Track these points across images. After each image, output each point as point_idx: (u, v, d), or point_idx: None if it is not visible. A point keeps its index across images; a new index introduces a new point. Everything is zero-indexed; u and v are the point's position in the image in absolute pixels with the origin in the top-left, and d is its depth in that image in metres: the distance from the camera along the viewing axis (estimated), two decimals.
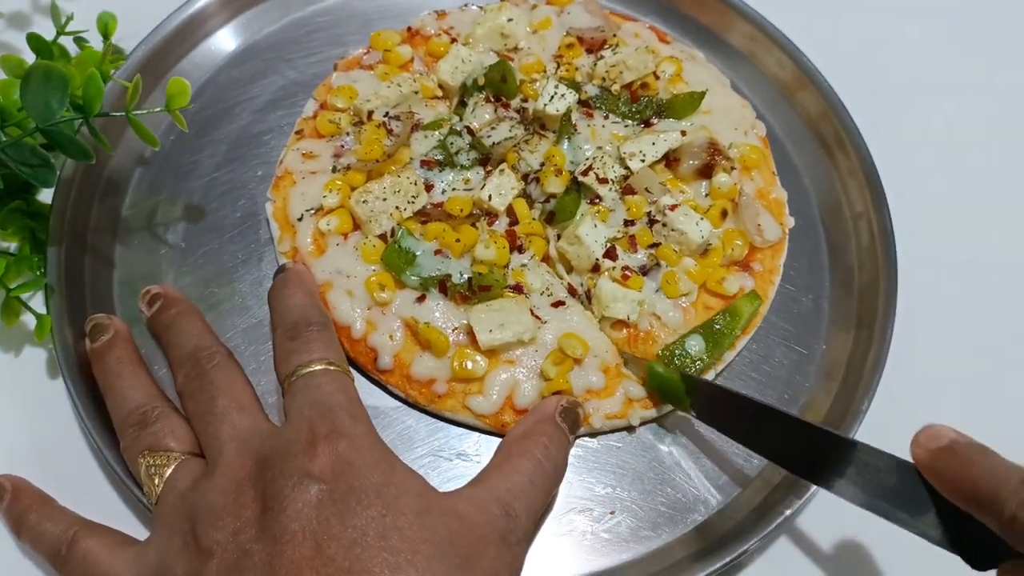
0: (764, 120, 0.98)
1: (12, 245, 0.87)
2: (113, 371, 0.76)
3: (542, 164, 0.89)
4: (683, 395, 0.78)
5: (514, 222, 0.87)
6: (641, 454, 0.81)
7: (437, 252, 0.84)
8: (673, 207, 0.86)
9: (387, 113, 0.90)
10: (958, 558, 0.63)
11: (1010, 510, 0.57)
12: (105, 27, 0.89)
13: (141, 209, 0.90)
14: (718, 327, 0.83)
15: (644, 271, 0.85)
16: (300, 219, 0.87)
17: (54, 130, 0.73)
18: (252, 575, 0.59)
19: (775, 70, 1.01)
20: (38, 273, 0.84)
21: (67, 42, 0.93)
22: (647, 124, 0.93)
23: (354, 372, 0.81)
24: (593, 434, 0.82)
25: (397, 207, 0.85)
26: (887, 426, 0.80)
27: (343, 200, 0.86)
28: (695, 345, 0.82)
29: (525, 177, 0.89)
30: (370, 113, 0.90)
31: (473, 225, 0.86)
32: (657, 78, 0.95)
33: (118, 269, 0.87)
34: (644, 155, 0.88)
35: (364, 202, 0.84)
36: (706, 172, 0.90)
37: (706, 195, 0.90)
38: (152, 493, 0.68)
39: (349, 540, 0.60)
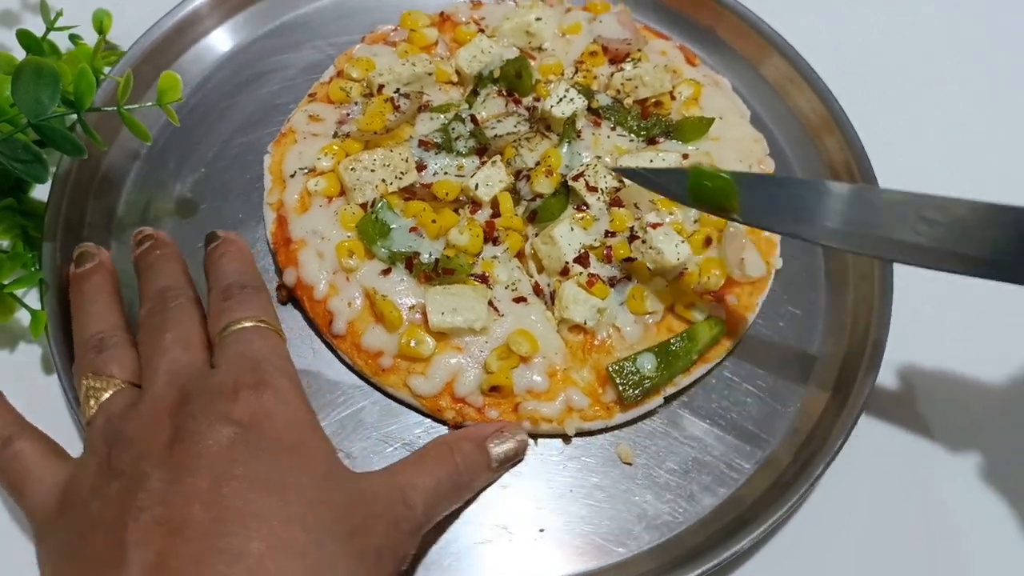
0: (784, 159, 0.97)
1: (4, 242, 0.87)
2: (87, 296, 0.78)
3: (537, 163, 0.89)
4: (733, 197, 0.72)
5: (496, 214, 0.87)
6: (604, 472, 0.80)
7: (412, 230, 0.84)
8: (655, 225, 0.85)
9: (398, 89, 0.92)
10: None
11: None
12: (100, 24, 0.90)
13: (136, 206, 0.91)
14: (674, 347, 0.82)
15: (612, 282, 0.84)
16: (292, 175, 0.88)
17: (46, 125, 0.74)
18: (144, 497, 0.59)
19: (804, 111, 0.98)
20: (33, 270, 0.85)
21: (56, 38, 0.92)
22: (652, 142, 0.92)
23: (318, 341, 0.84)
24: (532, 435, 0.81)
25: (383, 180, 0.86)
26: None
27: (335, 165, 0.87)
28: (647, 363, 0.80)
29: (518, 173, 0.89)
30: (381, 87, 0.92)
31: (456, 211, 0.87)
32: (673, 98, 0.94)
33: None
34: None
35: (352, 169, 0.86)
36: None
37: (695, 221, 0.88)
38: (86, 415, 0.70)
39: (247, 484, 0.60)
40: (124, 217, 0.90)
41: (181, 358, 0.70)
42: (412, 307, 0.82)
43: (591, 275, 0.83)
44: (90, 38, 0.92)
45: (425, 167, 0.88)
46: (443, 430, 0.81)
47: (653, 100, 0.94)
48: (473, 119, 0.91)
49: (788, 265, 0.91)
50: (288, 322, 0.85)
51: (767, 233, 0.89)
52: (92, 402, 0.69)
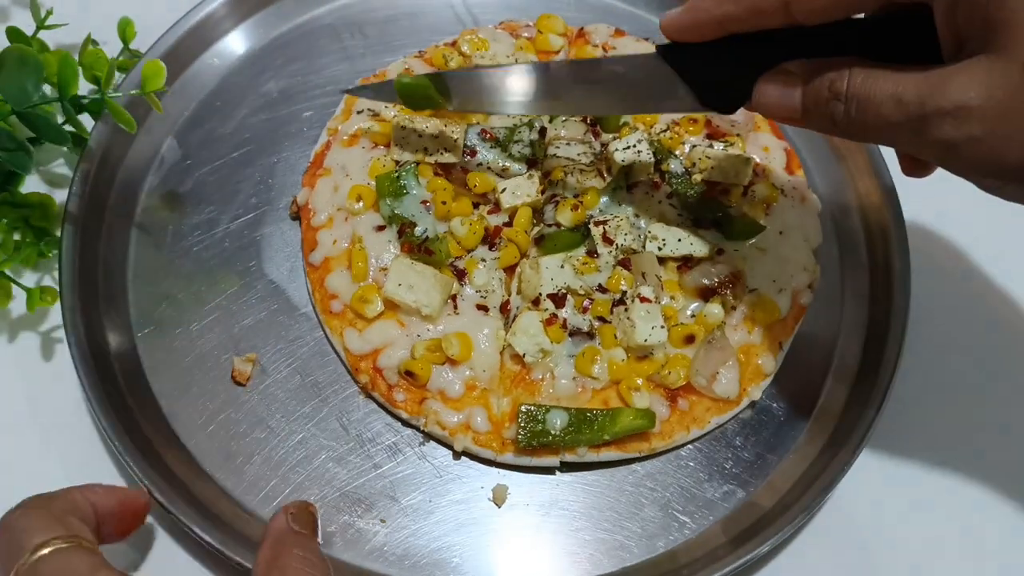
0: (830, 303, 0.90)
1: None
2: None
3: (576, 195, 0.87)
4: (435, 94, 0.80)
5: (509, 224, 0.87)
6: (470, 501, 0.79)
7: (424, 202, 0.86)
8: (645, 299, 0.81)
9: None
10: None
11: None
12: (124, 32, 0.92)
13: (217, 99, 0.96)
14: (590, 418, 0.78)
15: (572, 332, 0.81)
16: (360, 112, 0.92)
17: (30, 113, 0.76)
18: None
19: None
20: (50, 254, 0.87)
21: (47, 37, 0.92)
22: (697, 223, 0.88)
23: (299, 264, 0.88)
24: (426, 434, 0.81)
25: (426, 148, 0.88)
26: None
27: (394, 118, 0.90)
28: (557, 420, 0.78)
29: (552, 197, 0.88)
30: (476, 67, 0.94)
31: (475, 205, 0.88)
32: (744, 194, 0.89)
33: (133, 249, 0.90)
34: (664, 245, 0.85)
35: (403, 127, 0.88)
36: (708, 295, 0.84)
37: (691, 315, 0.84)
38: None
39: None
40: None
41: None
42: (383, 269, 0.83)
43: (552, 315, 0.81)
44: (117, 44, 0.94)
45: (475, 154, 0.89)
46: (351, 392, 0.83)
47: (723, 187, 0.89)
48: (542, 131, 0.91)
49: (774, 402, 0.85)
50: (287, 235, 0.90)
51: (762, 361, 0.84)
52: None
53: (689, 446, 0.82)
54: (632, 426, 0.78)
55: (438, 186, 0.86)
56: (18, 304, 0.85)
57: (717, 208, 0.88)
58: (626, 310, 0.82)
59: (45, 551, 0.60)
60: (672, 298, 0.84)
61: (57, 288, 0.83)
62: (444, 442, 0.80)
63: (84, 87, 0.85)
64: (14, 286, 0.83)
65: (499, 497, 0.79)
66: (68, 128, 0.85)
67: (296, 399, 0.82)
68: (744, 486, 0.81)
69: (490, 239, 0.86)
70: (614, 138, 0.92)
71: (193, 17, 0.96)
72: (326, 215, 0.87)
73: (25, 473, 0.78)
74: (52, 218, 0.88)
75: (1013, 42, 0.55)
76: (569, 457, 0.79)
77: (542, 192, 0.88)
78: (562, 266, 0.83)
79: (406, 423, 0.81)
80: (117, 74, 0.91)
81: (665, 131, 0.93)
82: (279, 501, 0.77)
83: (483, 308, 0.83)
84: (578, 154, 0.90)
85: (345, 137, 0.91)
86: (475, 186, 0.87)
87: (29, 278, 0.88)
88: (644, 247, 0.85)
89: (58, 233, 0.85)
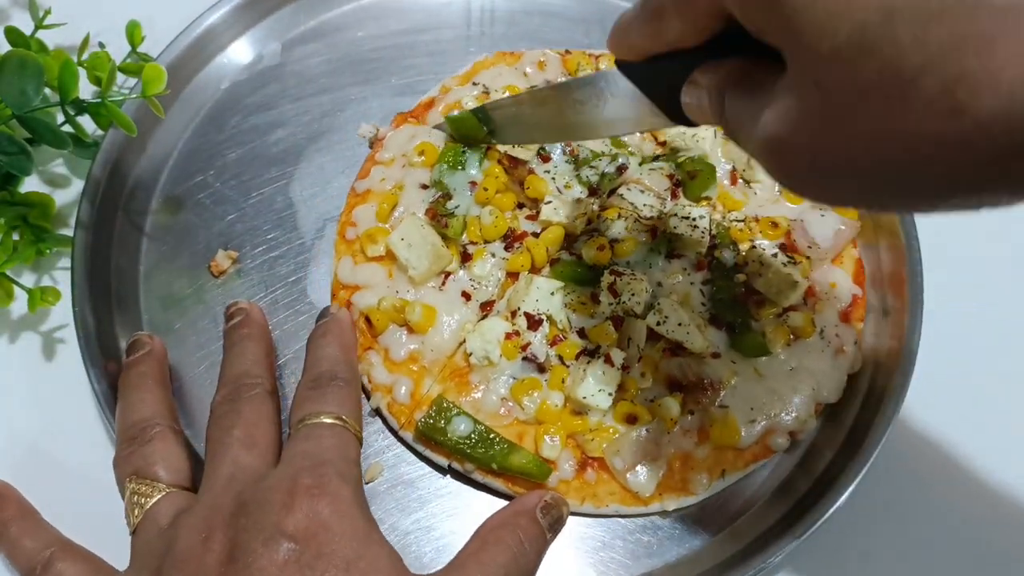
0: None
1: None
2: (132, 383, 0.76)
3: (615, 240, 0.85)
4: (478, 127, 0.86)
5: (537, 235, 0.86)
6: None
7: (472, 183, 0.87)
8: (609, 361, 0.79)
9: None
10: None
11: None
12: (132, 35, 0.92)
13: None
14: (491, 439, 0.77)
15: (527, 357, 0.81)
16: (475, 84, 0.95)
17: (30, 117, 0.76)
18: None
19: None
20: (48, 252, 0.87)
21: (46, 37, 0.91)
22: (714, 320, 0.83)
23: None
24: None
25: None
26: None
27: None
28: (461, 426, 0.77)
29: (595, 230, 0.86)
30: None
31: (520, 205, 0.88)
32: (779, 315, 0.83)
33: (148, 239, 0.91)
34: (664, 321, 0.81)
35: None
36: (674, 388, 0.80)
37: (651, 400, 0.80)
38: (131, 522, 0.67)
39: None
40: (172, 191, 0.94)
41: (242, 459, 0.68)
42: (402, 220, 0.86)
43: (516, 332, 0.81)
44: (124, 47, 0.94)
45: (548, 160, 0.90)
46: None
47: (760, 297, 0.84)
48: (621, 168, 0.89)
49: (694, 522, 0.79)
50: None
51: (694, 477, 0.79)
52: (137, 510, 0.67)
53: (588, 520, 0.79)
54: (523, 468, 0.77)
55: (491, 173, 0.87)
56: (18, 304, 0.86)
57: (741, 314, 0.83)
58: (588, 362, 0.79)
59: None
60: (643, 375, 0.81)
61: (58, 288, 0.85)
62: (366, 392, 0.82)
63: (85, 89, 0.85)
64: (15, 287, 0.84)
65: (372, 473, 0.80)
66: (67, 129, 0.84)
67: None
68: None
69: (510, 239, 0.86)
70: (688, 205, 0.88)
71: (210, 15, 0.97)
72: (390, 155, 0.91)
73: (29, 474, 0.78)
74: (51, 217, 0.88)
75: (799, 56, 0.46)
76: (456, 466, 0.79)
77: (587, 223, 0.87)
78: (553, 294, 0.82)
79: None
80: (126, 77, 0.94)
81: (742, 220, 0.88)
82: None
83: (467, 296, 0.84)
84: (644, 204, 0.87)
85: (452, 101, 0.94)
86: (528, 188, 0.87)
87: (28, 277, 0.89)
88: (644, 316, 0.82)
89: (57, 232, 0.89)
